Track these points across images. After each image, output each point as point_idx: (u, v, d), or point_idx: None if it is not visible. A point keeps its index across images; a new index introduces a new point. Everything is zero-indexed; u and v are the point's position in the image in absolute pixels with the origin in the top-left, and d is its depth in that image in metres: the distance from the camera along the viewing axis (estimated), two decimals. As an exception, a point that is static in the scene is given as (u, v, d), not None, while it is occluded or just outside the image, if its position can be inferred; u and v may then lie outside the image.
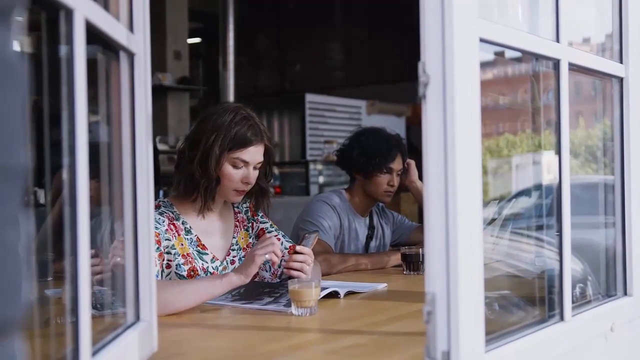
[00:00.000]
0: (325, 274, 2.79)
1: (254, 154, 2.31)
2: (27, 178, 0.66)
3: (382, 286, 2.46)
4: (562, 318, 1.58)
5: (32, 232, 0.70)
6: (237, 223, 2.48)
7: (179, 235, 2.28)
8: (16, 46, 0.65)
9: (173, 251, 2.24)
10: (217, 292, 2.06)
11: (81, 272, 1.06)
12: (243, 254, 2.44)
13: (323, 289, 2.12)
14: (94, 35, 1.17)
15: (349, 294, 2.28)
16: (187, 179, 2.30)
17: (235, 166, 2.29)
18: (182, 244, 2.28)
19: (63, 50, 1.06)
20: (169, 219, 2.27)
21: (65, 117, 1.06)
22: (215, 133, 2.26)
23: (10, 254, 0.63)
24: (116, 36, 1.29)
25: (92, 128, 1.14)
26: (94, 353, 1.14)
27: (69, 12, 1.04)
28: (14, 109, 0.63)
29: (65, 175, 1.05)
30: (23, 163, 0.65)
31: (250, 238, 2.50)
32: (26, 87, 0.65)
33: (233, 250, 2.43)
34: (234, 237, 2.45)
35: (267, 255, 2.06)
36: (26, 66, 0.65)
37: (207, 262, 2.32)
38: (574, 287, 1.72)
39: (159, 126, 7.40)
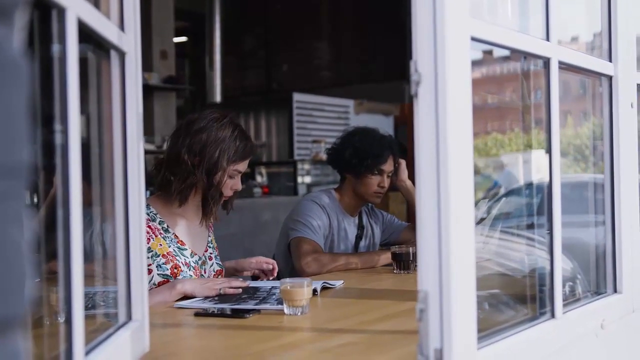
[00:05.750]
0: (316, 274, 2.80)
1: (247, 164, 2.48)
2: (28, 176, 0.66)
3: (339, 283, 2.49)
4: (553, 315, 1.59)
5: (35, 230, 0.70)
6: (210, 225, 2.61)
7: (156, 236, 2.36)
8: (18, 45, 0.64)
9: (150, 253, 2.30)
10: (169, 301, 2.17)
11: (74, 273, 1.05)
12: (217, 252, 2.59)
13: None
14: (85, 34, 1.16)
15: (324, 288, 2.35)
16: (189, 188, 2.38)
17: (231, 177, 2.42)
18: (160, 244, 2.35)
19: (55, 49, 1.05)
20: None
21: (57, 117, 1.05)
22: (219, 147, 2.36)
23: (14, 251, 0.63)
24: (107, 35, 1.29)
25: (82, 127, 1.14)
26: (87, 353, 1.13)
27: (61, 11, 1.03)
28: (17, 107, 0.63)
29: (57, 175, 1.05)
30: (26, 161, 0.65)
31: (215, 241, 2.63)
32: (28, 86, 0.65)
33: (210, 247, 2.55)
34: (209, 236, 2.57)
35: (221, 291, 2.23)
36: (28, 65, 0.65)
37: (187, 257, 2.41)
38: (563, 286, 1.72)
39: (145, 126, 7.32)
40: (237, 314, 1.95)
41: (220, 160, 2.36)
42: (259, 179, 7.92)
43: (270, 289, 2.29)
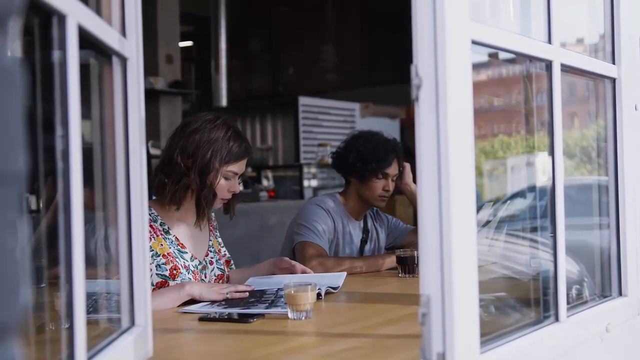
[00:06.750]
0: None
1: (243, 165, 2.46)
2: (24, 183, 0.66)
3: (342, 277, 2.53)
4: (557, 319, 1.59)
5: (30, 237, 0.70)
6: (211, 228, 2.61)
7: (157, 236, 2.37)
8: (13, 52, 0.65)
9: (151, 252, 2.31)
10: (176, 304, 2.17)
11: (76, 278, 1.05)
12: (218, 256, 2.57)
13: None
14: (87, 40, 1.17)
15: (328, 293, 2.34)
16: (183, 189, 2.38)
17: (226, 178, 2.42)
18: (161, 244, 2.36)
19: (56, 55, 1.06)
20: None
21: (58, 123, 1.06)
22: (212, 148, 2.36)
23: (8, 258, 0.64)
24: (109, 41, 1.29)
25: (84, 133, 1.14)
26: (89, 358, 1.14)
27: (62, 18, 1.03)
28: (11, 114, 0.63)
29: (59, 181, 1.05)
30: (21, 168, 0.65)
31: (219, 245, 2.63)
32: (23, 93, 0.66)
33: (211, 251, 2.55)
34: (210, 240, 2.57)
35: (228, 295, 2.22)
36: (23, 72, 0.66)
37: (187, 261, 2.42)
38: (570, 289, 1.72)
39: (151, 131, 7.38)
40: (242, 318, 1.95)
41: (213, 160, 2.36)
42: (265, 182, 7.91)
43: (277, 291, 2.29)
